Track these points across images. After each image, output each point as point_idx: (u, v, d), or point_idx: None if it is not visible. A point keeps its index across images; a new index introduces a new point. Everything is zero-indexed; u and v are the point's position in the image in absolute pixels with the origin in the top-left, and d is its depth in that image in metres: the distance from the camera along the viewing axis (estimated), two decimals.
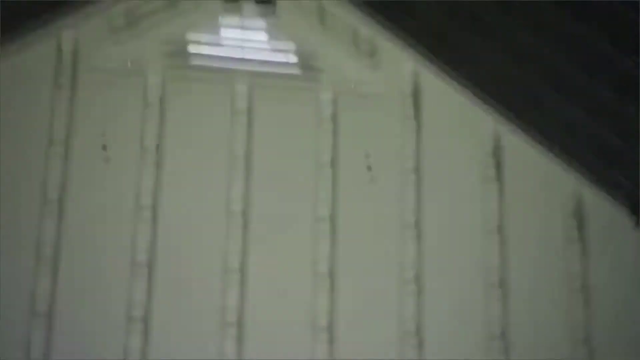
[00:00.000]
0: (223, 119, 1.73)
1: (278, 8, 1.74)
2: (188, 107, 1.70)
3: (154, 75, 1.68)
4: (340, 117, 1.75)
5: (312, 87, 1.74)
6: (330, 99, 1.75)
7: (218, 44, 1.75)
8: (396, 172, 1.84)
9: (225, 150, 1.70)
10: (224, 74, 1.73)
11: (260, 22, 1.79)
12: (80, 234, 1.69)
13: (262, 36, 1.74)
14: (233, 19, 1.76)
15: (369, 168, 1.86)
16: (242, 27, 1.78)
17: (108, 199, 1.72)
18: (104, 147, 1.66)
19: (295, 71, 1.76)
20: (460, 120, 1.90)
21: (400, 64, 1.78)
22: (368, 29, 1.72)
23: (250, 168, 1.76)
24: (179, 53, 1.71)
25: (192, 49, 1.69)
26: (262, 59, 1.72)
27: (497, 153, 1.96)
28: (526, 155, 1.98)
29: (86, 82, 1.69)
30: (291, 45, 1.74)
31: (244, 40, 1.76)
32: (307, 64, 1.76)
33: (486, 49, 1.90)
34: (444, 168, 1.90)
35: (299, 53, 1.76)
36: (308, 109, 1.77)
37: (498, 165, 1.98)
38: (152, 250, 1.77)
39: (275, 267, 1.77)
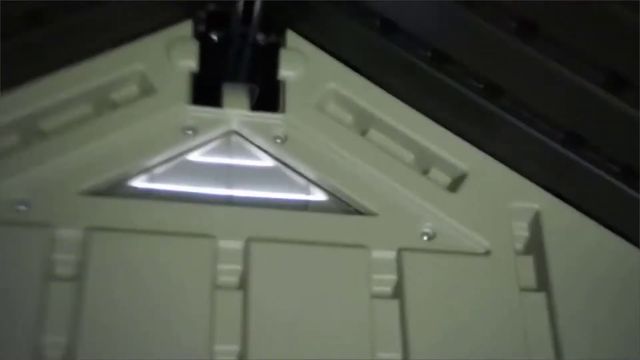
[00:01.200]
0: (197, 297, 0.72)
1: (288, 115, 1.03)
2: (129, 281, 0.76)
3: (70, 226, 0.73)
4: (407, 289, 0.75)
5: (357, 240, 0.85)
6: (390, 260, 0.86)
7: (189, 175, 0.97)
8: None
9: (201, 350, 0.92)
10: (199, 222, 0.81)
11: (261, 139, 1.27)
12: None
13: (265, 161, 1.27)
14: (214, 133, 1.06)
15: None
16: (231, 147, 1.37)
17: None
18: None
19: (324, 216, 1.01)
20: (615, 282, 1.17)
21: (508, 199, 1.21)
22: (443, 145, 1.28)
23: None
24: (117, 189, 0.84)
25: (142, 183, 0.99)
26: (265, 196, 0.94)
27: None
28: None
29: None
30: (314, 174, 1.19)
31: (234, 168, 1.14)
32: (343, 203, 1.17)
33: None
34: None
35: (329, 186, 1.15)
36: (351, 277, 0.73)
37: None
38: None
39: None
